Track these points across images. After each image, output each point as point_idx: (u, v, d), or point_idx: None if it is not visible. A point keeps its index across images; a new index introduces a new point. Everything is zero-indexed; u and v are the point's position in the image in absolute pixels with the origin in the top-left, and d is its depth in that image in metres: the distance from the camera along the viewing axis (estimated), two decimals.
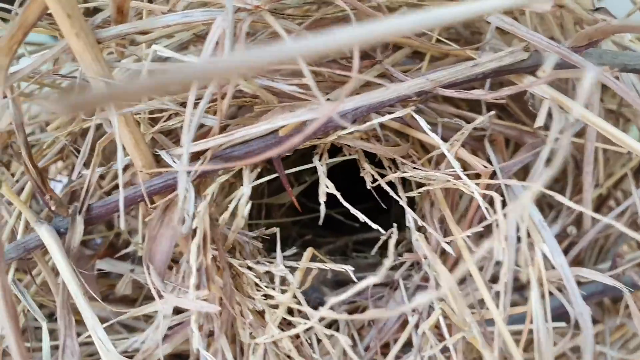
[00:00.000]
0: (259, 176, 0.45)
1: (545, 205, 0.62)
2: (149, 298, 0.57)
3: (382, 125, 0.47)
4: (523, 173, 0.52)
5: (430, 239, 0.46)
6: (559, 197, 0.38)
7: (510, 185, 0.44)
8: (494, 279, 0.53)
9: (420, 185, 0.50)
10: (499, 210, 0.37)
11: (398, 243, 0.56)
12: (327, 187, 0.39)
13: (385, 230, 0.64)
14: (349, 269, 0.39)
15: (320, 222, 0.38)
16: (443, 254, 0.49)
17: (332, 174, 0.54)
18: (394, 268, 0.55)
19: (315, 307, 0.52)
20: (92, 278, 0.51)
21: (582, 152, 0.56)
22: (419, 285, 0.48)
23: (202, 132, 0.42)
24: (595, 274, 0.44)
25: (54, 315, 0.60)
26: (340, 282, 0.56)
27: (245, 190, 0.40)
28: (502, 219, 0.37)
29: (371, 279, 0.44)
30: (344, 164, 0.47)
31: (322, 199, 0.37)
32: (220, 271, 0.41)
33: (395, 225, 0.41)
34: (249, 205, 0.39)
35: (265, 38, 0.42)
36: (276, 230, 0.44)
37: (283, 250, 0.49)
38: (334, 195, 0.56)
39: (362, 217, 0.38)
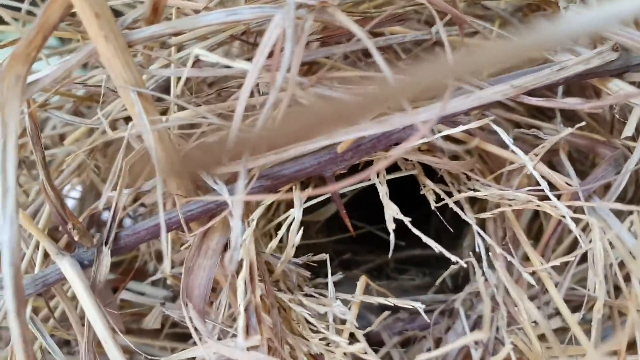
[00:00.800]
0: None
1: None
2: (175, 326, 0.52)
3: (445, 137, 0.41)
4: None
5: (498, 265, 0.41)
6: None
7: (592, 200, 0.39)
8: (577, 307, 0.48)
9: (474, 202, 0.45)
10: (596, 238, 0.32)
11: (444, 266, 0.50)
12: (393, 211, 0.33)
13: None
14: (419, 306, 0.34)
15: (390, 251, 0.33)
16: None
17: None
18: (448, 290, 0.50)
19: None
20: (115, 308, 0.46)
21: None
22: (480, 315, 0.43)
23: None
24: None
25: (70, 343, 0.55)
26: (385, 306, 0.51)
27: (296, 213, 0.34)
28: (598, 248, 0.32)
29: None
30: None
31: (391, 226, 0.32)
32: (267, 307, 0.35)
33: (458, 261, 0.36)
34: (300, 233, 0.34)
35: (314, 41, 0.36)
36: (325, 256, 0.38)
37: (321, 272, 0.44)
38: (371, 209, 0.51)
39: (437, 248, 0.32)
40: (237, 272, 0.35)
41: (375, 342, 0.47)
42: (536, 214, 0.51)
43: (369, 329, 0.43)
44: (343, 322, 0.40)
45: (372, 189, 0.54)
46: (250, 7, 0.30)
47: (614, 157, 0.40)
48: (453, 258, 0.32)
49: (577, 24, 0.22)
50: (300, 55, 0.29)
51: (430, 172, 0.43)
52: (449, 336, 0.44)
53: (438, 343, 0.44)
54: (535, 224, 0.53)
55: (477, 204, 0.52)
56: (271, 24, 0.28)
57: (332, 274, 0.45)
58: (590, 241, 0.32)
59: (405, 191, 0.47)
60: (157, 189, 0.29)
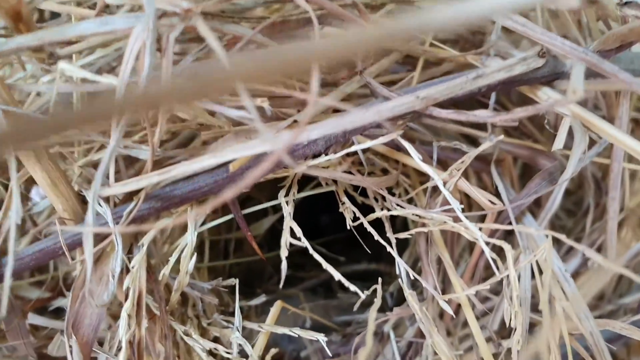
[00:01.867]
0: (214, 215, 0.37)
1: (558, 228, 0.54)
2: None
3: (367, 148, 0.38)
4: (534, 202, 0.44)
5: (427, 290, 0.38)
6: (578, 246, 0.30)
7: (523, 219, 0.36)
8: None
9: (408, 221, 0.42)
10: (511, 266, 0.29)
11: (388, 282, 0.47)
12: (295, 235, 0.30)
13: (376, 259, 0.55)
14: (321, 339, 0.31)
15: (281, 284, 0.30)
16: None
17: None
18: (389, 308, 0.47)
19: None
20: (25, 333, 0.43)
21: (604, 171, 0.48)
22: (411, 341, 0.40)
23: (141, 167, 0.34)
24: (629, 329, 0.35)
25: None
26: (321, 329, 0.47)
27: (189, 239, 0.31)
28: (513, 275, 0.29)
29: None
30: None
31: (284, 254, 0.29)
32: (162, 337, 0.32)
33: (380, 280, 0.33)
34: (194, 259, 0.31)
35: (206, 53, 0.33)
36: (234, 282, 0.35)
37: (252, 293, 0.41)
38: (317, 221, 0.48)
39: (336, 274, 0.29)
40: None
41: None
42: None
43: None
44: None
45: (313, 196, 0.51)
46: (122, 17, 0.27)
47: (548, 170, 0.37)
48: (352, 288, 0.29)
49: (447, 14, 0.19)
50: (170, 67, 0.26)
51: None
52: None
53: None
54: None
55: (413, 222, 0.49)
56: (132, 35, 0.25)
57: (266, 293, 0.42)
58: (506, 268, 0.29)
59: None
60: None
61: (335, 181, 0.38)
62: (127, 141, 0.32)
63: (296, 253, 0.66)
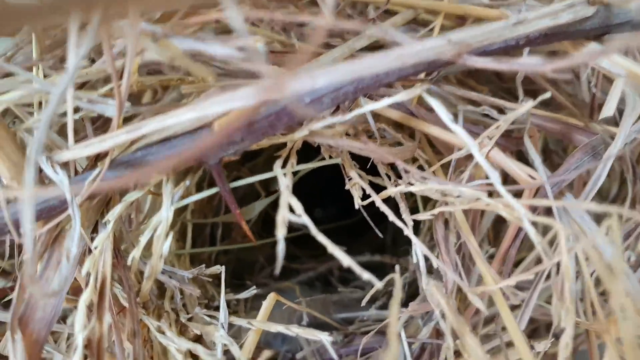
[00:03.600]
0: (198, 187, 0.31)
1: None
2: None
3: (376, 116, 0.33)
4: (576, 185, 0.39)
5: (446, 280, 0.32)
6: None
7: (563, 198, 0.30)
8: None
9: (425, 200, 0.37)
10: (564, 250, 0.23)
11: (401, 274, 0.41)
12: (293, 211, 0.25)
13: (380, 251, 0.50)
14: (324, 338, 0.25)
15: (277, 270, 0.24)
16: (459, 294, 0.35)
17: (311, 173, 0.40)
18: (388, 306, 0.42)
19: None
20: None
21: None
22: (425, 342, 0.35)
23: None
24: None
25: None
26: (320, 326, 0.42)
27: (164, 214, 0.26)
28: (566, 262, 0.24)
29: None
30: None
31: (281, 232, 0.23)
32: (131, 334, 0.27)
33: (397, 268, 0.27)
34: (169, 239, 0.25)
35: None
36: (220, 269, 0.29)
37: (242, 286, 0.36)
38: (314, 206, 0.42)
39: (350, 264, 0.24)
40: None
41: None
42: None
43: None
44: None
45: (314, 175, 0.45)
46: None
47: (590, 144, 0.32)
48: (366, 275, 0.24)
49: None
50: None
51: (365, 162, 0.34)
52: None
53: None
54: (504, 227, 0.45)
55: (430, 204, 0.43)
56: None
57: (257, 286, 0.37)
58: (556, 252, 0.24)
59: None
60: None
61: (340, 152, 0.32)
62: (91, 94, 0.26)
63: (291, 244, 0.60)
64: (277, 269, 0.23)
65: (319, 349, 0.38)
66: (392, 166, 0.33)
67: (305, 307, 0.36)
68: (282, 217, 0.24)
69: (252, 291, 0.35)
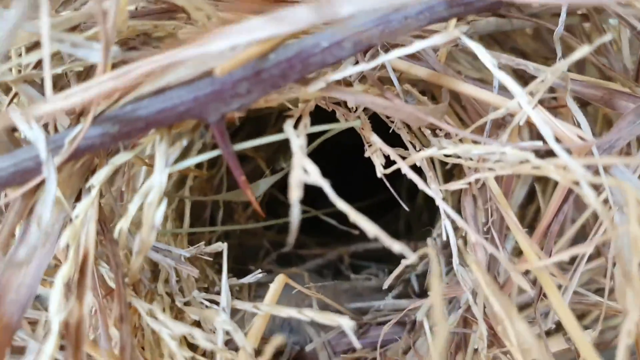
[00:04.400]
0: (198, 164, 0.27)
1: None
2: None
3: (400, 77, 0.29)
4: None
5: (477, 255, 0.28)
6: None
7: (612, 171, 0.27)
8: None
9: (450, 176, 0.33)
10: (634, 218, 0.20)
11: (421, 259, 0.38)
12: (307, 172, 0.21)
13: (393, 237, 0.46)
14: (347, 324, 0.21)
15: (291, 239, 0.20)
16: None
17: (320, 153, 0.36)
18: (414, 294, 0.38)
19: (293, 358, 0.34)
20: None
21: None
22: (452, 332, 0.31)
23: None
24: None
25: None
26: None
27: (157, 179, 0.22)
28: (636, 232, 0.20)
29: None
30: (339, 137, 0.29)
31: (295, 194, 0.20)
32: (118, 320, 0.23)
33: (430, 242, 0.23)
34: (163, 207, 0.22)
35: None
36: (222, 246, 0.26)
37: (245, 272, 0.32)
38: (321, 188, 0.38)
39: (377, 233, 0.20)
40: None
41: None
42: (533, 194, 0.39)
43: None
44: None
45: (324, 155, 0.41)
46: None
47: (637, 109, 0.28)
48: (397, 247, 0.20)
49: None
50: None
51: (384, 129, 0.30)
52: (407, 359, 0.32)
53: None
54: (532, 208, 0.41)
55: (455, 177, 0.40)
56: None
57: (262, 272, 0.33)
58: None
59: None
60: None
61: (357, 116, 0.28)
62: (75, 36, 0.22)
63: (299, 230, 0.56)
64: (292, 236, 0.20)
65: (330, 341, 0.35)
66: (414, 133, 0.30)
67: (315, 292, 0.33)
68: (296, 178, 0.20)
69: (257, 275, 0.31)
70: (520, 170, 0.23)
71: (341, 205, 0.21)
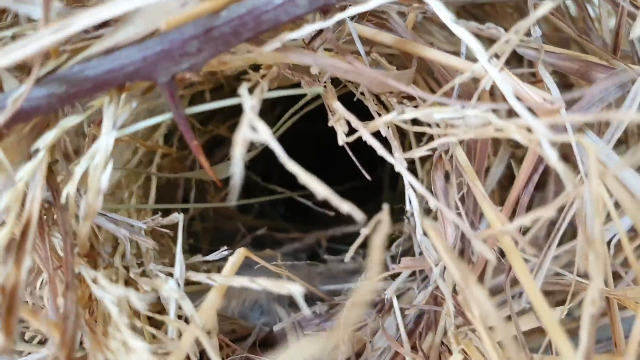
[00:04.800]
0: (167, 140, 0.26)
1: None
2: None
3: (367, 44, 0.28)
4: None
5: (446, 231, 0.27)
6: None
7: (584, 135, 0.26)
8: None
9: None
10: (593, 173, 0.19)
11: (393, 241, 0.37)
12: (256, 131, 0.20)
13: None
14: (295, 291, 0.20)
15: (234, 197, 0.19)
16: (461, 255, 0.31)
17: (300, 133, 0.35)
18: (390, 276, 0.37)
19: (261, 339, 0.33)
20: None
21: None
22: (422, 311, 0.30)
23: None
24: None
25: None
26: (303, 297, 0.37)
27: (102, 142, 0.21)
28: (595, 187, 0.19)
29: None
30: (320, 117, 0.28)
31: (238, 150, 0.19)
32: (64, 288, 0.22)
33: (386, 207, 0.22)
34: (109, 169, 0.21)
35: None
36: (178, 217, 0.25)
37: (211, 251, 0.31)
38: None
39: (327, 194, 0.19)
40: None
41: (278, 345, 0.34)
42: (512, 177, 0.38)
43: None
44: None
45: (304, 137, 0.40)
46: None
47: (617, 74, 0.27)
48: (345, 207, 0.19)
49: None
50: None
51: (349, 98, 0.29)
52: (376, 339, 0.31)
53: (363, 348, 0.31)
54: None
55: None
56: None
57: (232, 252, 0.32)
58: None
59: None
60: None
61: (324, 83, 0.27)
62: None
63: (278, 215, 0.55)
64: (234, 195, 0.19)
65: (300, 321, 0.34)
66: (382, 104, 0.29)
67: (286, 272, 0.32)
68: (243, 136, 0.19)
69: (222, 252, 0.30)
70: (484, 133, 0.22)
71: (292, 167, 0.20)
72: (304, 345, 0.16)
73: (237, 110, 0.28)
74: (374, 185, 0.53)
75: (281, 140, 0.30)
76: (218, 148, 0.47)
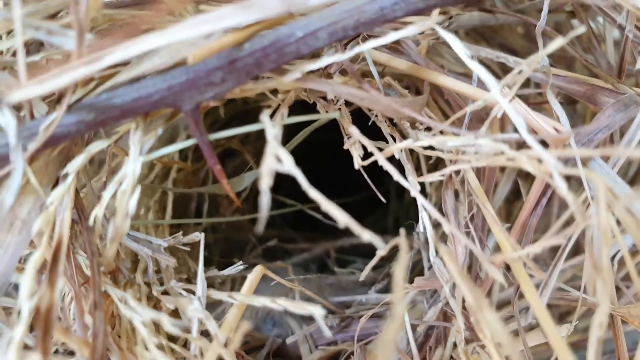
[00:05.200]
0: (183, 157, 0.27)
1: None
2: None
3: (380, 70, 0.29)
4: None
5: (456, 250, 0.28)
6: None
7: (590, 165, 0.27)
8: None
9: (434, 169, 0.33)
10: (602, 206, 0.20)
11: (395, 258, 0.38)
12: (280, 161, 0.21)
13: (381, 233, 0.45)
14: (319, 313, 0.21)
15: (261, 227, 0.20)
16: (469, 269, 0.32)
17: (310, 149, 0.36)
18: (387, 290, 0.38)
19: (274, 351, 0.34)
20: None
21: None
22: (431, 325, 0.31)
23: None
24: None
25: None
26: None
27: (130, 166, 0.22)
28: (606, 222, 0.20)
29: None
30: (333, 136, 0.29)
31: (265, 182, 0.20)
32: (92, 307, 0.23)
33: (402, 232, 0.23)
34: (136, 195, 0.22)
35: None
36: (199, 236, 0.26)
37: (230, 265, 0.32)
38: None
39: (347, 221, 0.20)
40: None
41: (291, 357, 0.35)
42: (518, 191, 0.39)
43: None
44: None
45: (314, 152, 0.41)
46: None
47: (622, 100, 0.28)
48: (366, 236, 0.20)
49: None
50: None
51: (365, 122, 0.30)
52: None
53: None
54: (519, 205, 0.41)
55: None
56: None
57: (247, 267, 0.33)
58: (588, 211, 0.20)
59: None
60: None
61: (338, 108, 0.28)
62: (50, 23, 0.22)
63: (286, 225, 0.56)
64: (261, 225, 0.20)
65: (312, 333, 0.35)
66: (395, 126, 0.30)
67: (298, 285, 0.33)
68: (268, 167, 0.20)
69: (238, 267, 0.31)
70: (496, 162, 0.23)
71: (313, 193, 0.21)
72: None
73: (248, 122, 0.29)
74: (381, 194, 0.54)
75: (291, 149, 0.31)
76: (229, 159, 0.48)
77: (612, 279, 0.24)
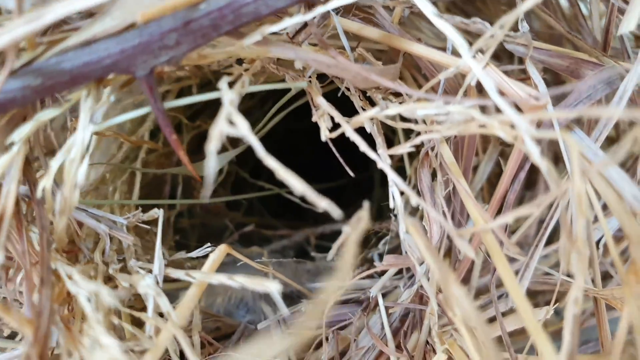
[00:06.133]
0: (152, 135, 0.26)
1: None
2: None
3: (353, 39, 0.28)
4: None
5: (431, 229, 0.27)
6: None
7: (571, 132, 0.25)
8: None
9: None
10: (576, 171, 0.18)
11: (380, 238, 0.37)
12: (233, 125, 0.19)
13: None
14: (273, 289, 0.20)
15: (207, 193, 0.19)
16: (448, 254, 0.30)
17: (295, 130, 0.35)
18: (377, 274, 0.37)
19: (246, 337, 0.33)
20: None
21: None
22: (408, 308, 0.30)
23: None
24: None
25: None
26: (290, 295, 0.37)
27: (79, 136, 0.21)
28: (578, 187, 0.19)
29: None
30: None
31: (214, 144, 0.18)
32: (39, 283, 0.21)
33: (366, 205, 0.22)
34: (86, 164, 0.20)
35: None
36: (158, 213, 0.25)
37: (198, 247, 0.31)
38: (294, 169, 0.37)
39: (305, 190, 0.18)
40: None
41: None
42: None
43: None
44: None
45: (296, 135, 0.40)
46: None
47: (605, 71, 0.27)
48: (323, 204, 0.18)
49: None
50: None
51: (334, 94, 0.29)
52: (360, 338, 0.30)
53: (347, 347, 0.31)
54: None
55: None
56: None
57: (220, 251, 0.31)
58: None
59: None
60: None
61: (309, 78, 0.27)
62: None
63: (266, 212, 0.55)
64: (207, 190, 0.18)
65: (285, 319, 0.33)
66: (369, 100, 0.29)
67: (272, 270, 0.31)
68: (219, 130, 0.19)
69: (206, 249, 0.30)
70: (467, 129, 0.22)
71: (270, 162, 0.19)
72: (274, 341, 0.15)
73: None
74: (367, 182, 0.53)
75: (276, 137, 0.30)
76: (205, 144, 0.47)
77: (595, 255, 0.23)
